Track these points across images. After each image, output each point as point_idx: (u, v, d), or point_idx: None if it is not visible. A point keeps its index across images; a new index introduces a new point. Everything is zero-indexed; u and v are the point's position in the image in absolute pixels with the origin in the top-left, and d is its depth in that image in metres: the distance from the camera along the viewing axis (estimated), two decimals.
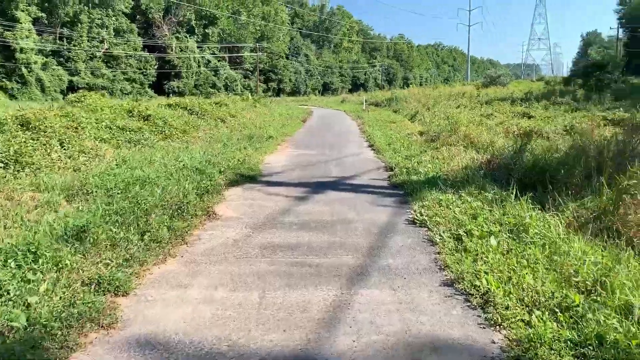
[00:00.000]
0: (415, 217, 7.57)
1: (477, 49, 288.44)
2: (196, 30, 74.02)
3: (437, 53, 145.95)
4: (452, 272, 5.33)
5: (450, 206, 7.77)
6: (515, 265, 5.26)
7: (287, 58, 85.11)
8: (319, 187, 10.07)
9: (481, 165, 11.85)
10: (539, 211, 7.42)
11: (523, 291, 4.64)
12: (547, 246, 5.77)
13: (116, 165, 10.08)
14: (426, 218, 7.34)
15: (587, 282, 4.75)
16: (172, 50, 69.91)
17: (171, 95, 64.93)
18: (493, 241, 5.88)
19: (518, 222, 6.61)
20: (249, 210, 8.17)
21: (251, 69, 78.44)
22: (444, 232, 6.59)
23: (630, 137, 9.37)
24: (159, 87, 67.68)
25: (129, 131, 14.05)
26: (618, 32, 68.15)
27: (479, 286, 4.82)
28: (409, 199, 8.83)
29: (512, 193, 7.89)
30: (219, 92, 65.61)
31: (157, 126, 15.84)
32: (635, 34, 69.58)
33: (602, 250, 5.68)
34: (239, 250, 6.19)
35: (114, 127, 13.85)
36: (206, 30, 75.06)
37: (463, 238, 6.23)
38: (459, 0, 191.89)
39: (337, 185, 10.42)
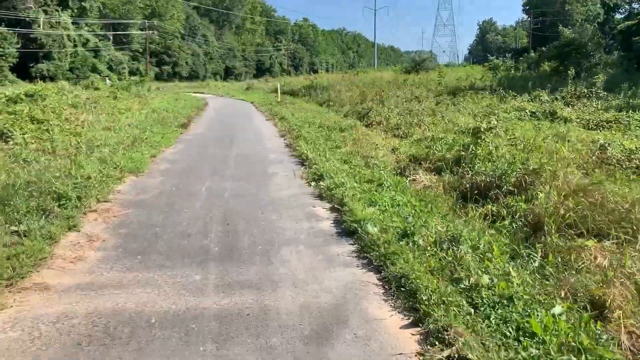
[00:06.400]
0: None
1: (379, 36, 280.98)
2: (70, 3, 58.01)
3: (342, 39, 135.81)
4: None
5: None
6: None
7: (183, 39, 70.72)
8: None
9: None
10: None
11: None
12: None
13: None
14: None
15: None
16: (39, 26, 54.12)
17: (39, 80, 50.14)
18: None
19: None
20: None
21: (141, 49, 63.73)
22: None
23: None
24: (24, 71, 52.14)
25: None
26: (531, 17, 62.33)
27: None
28: None
29: None
30: (100, 76, 51.87)
31: None
32: (544, 19, 66.12)
33: None
34: None
35: None
36: (83, 4, 59.28)
37: None
38: None
39: None
